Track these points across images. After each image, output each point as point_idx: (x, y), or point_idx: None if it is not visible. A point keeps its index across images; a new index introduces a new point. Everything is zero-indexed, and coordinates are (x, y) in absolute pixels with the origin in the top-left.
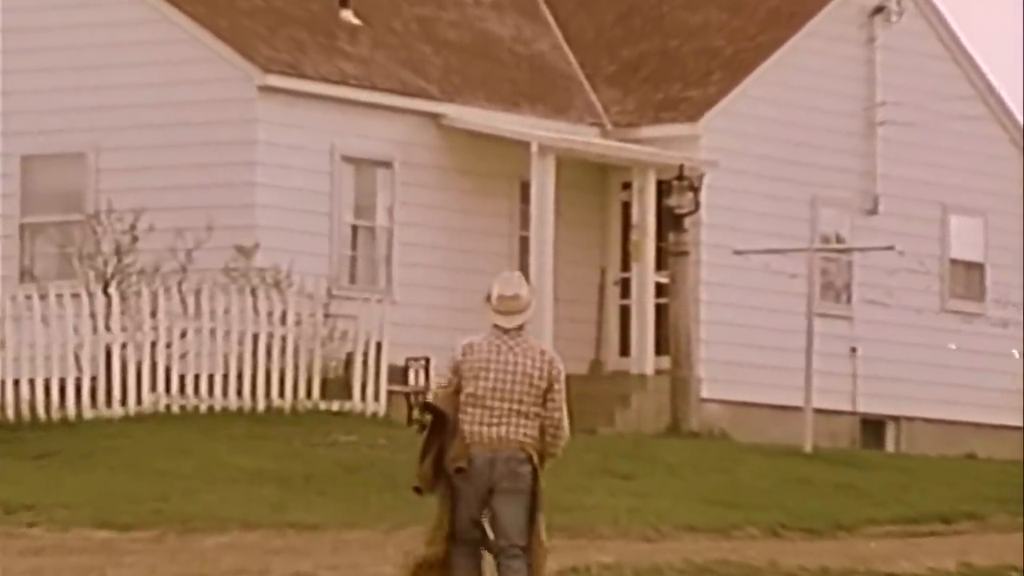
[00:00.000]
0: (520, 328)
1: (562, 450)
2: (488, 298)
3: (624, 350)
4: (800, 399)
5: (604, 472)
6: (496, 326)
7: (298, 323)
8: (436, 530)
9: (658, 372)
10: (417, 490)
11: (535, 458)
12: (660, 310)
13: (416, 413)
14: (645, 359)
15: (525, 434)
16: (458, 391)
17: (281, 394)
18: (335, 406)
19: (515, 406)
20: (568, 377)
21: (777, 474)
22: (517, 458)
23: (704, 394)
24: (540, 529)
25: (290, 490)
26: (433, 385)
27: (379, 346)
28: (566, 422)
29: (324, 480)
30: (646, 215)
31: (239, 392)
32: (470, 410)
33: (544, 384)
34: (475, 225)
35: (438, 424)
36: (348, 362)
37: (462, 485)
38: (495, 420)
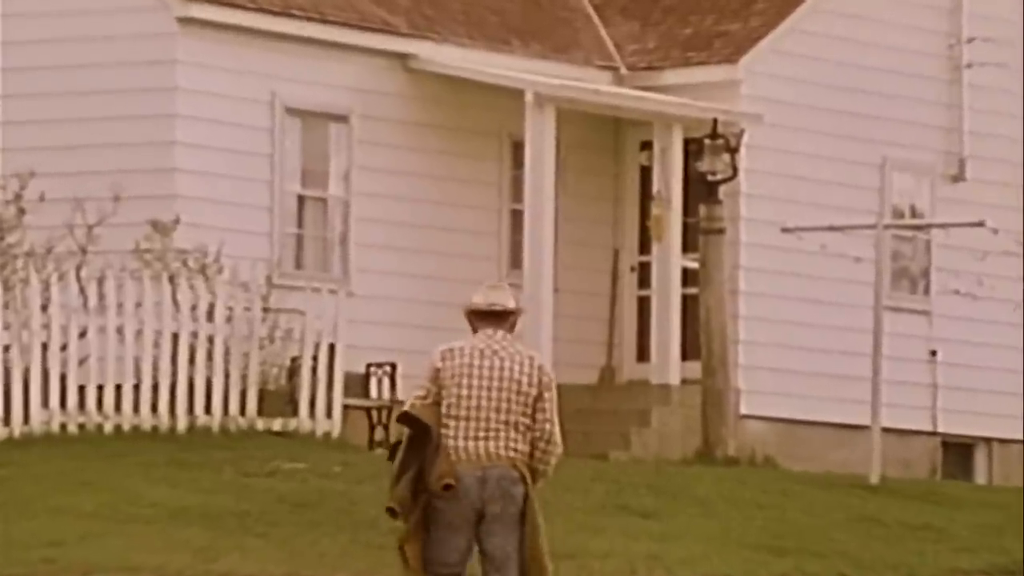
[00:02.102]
0: (508, 330)
1: (553, 467)
2: (467, 308)
3: (643, 354)
4: (865, 416)
5: (618, 508)
6: (480, 329)
7: (229, 320)
8: (412, 561)
9: (686, 382)
10: (392, 512)
11: (528, 477)
12: (688, 303)
13: (389, 434)
14: (669, 365)
15: (516, 450)
16: (437, 403)
17: (208, 410)
18: (276, 425)
19: (503, 416)
20: (573, 388)
21: (836, 511)
22: (510, 477)
23: (744, 409)
24: (541, 555)
25: (220, 531)
26: (409, 396)
27: (332, 349)
28: (558, 435)
29: (263, 519)
30: (671, 183)
31: (154, 408)
32: (452, 423)
33: (533, 392)
34: (454, 196)
35: (418, 439)
36: (293, 369)
37: (446, 507)
38: (482, 434)
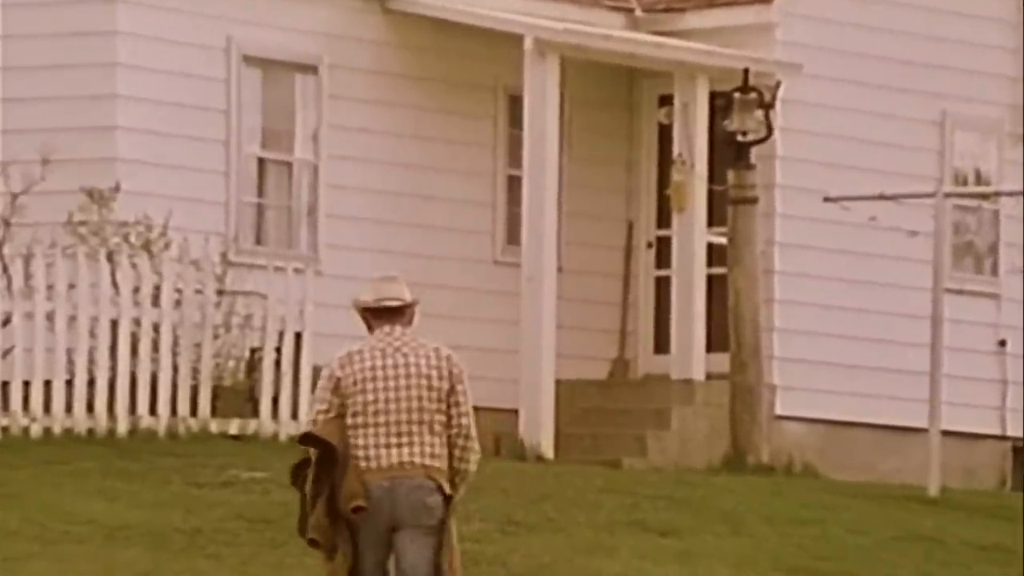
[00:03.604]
0: (405, 325)
1: (476, 464)
2: (358, 305)
3: (661, 345)
4: (922, 417)
5: (632, 525)
6: (376, 327)
7: (178, 304)
8: None
9: (711, 377)
10: (314, 543)
11: (446, 487)
12: (715, 285)
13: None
14: (692, 358)
15: (432, 455)
16: (342, 415)
17: (153, 410)
18: (233, 427)
19: (414, 416)
20: (579, 384)
21: (888, 528)
22: (425, 487)
23: (780, 409)
24: (455, 569)
25: (166, 552)
26: (311, 412)
27: (299, 338)
28: (475, 431)
29: (217, 537)
30: (694, 144)
31: (90, 407)
32: (361, 431)
33: (445, 386)
34: (441, 160)
35: (326, 458)
36: (253, 362)
37: (361, 526)
38: (395, 440)
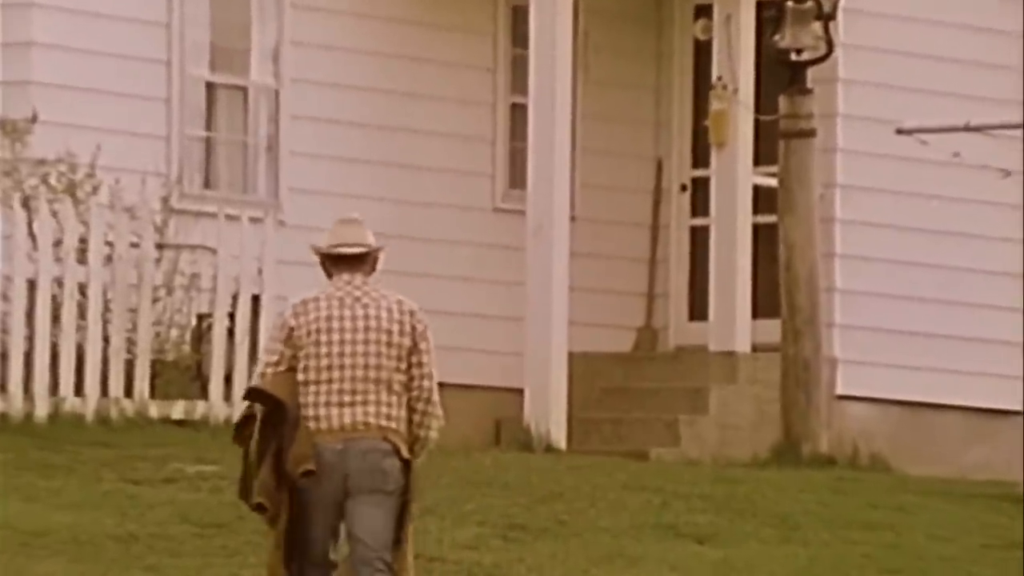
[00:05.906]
0: (367, 272)
1: (436, 431)
2: (316, 249)
3: (697, 311)
4: (1015, 398)
5: (662, 528)
6: (335, 275)
7: (110, 260)
8: (274, 553)
9: (758, 349)
10: (260, 508)
11: (403, 450)
12: (762, 236)
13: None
14: (735, 326)
15: (389, 416)
16: (293, 368)
17: (79, 390)
18: (177, 411)
19: (371, 374)
20: (598, 359)
21: (974, 533)
22: (380, 450)
23: (841, 388)
24: (407, 544)
25: (95, 563)
26: (259, 364)
27: (256, 302)
28: (436, 393)
29: (158, 545)
30: (738, 66)
31: (2, 387)
32: (312, 388)
33: (406, 342)
34: (431, 86)
35: (273, 416)
36: (201, 331)
37: (310, 490)
38: (348, 398)
